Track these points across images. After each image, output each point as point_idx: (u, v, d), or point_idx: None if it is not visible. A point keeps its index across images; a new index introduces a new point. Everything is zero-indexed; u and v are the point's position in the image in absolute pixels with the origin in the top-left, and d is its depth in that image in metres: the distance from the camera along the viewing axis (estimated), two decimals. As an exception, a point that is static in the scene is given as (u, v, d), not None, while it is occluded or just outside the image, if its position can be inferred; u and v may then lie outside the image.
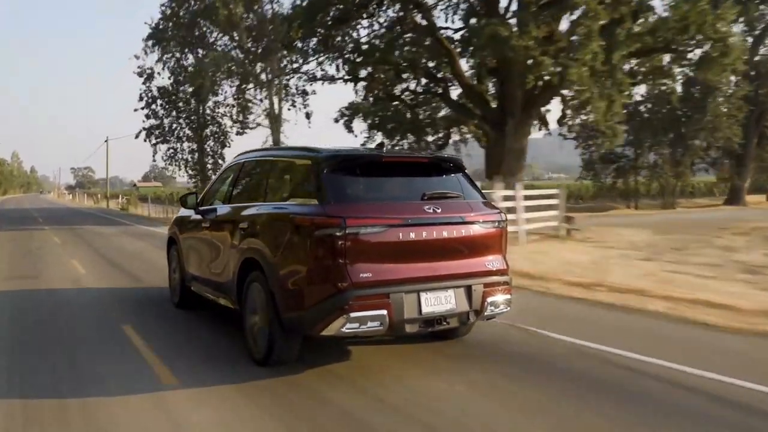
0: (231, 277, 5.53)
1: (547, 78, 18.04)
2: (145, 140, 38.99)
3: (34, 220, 27.79)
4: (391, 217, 4.55)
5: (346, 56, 22.17)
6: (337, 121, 23.53)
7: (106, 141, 54.04)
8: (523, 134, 20.48)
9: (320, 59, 23.46)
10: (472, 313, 4.84)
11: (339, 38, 22.62)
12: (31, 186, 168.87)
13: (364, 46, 21.49)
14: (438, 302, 4.66)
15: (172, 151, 39.57)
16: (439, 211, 4.74)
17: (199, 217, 6.65)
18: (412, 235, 4.58)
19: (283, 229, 4.82)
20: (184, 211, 7.35)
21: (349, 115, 23.12)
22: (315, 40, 22.50)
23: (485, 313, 4.92)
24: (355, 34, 22.75)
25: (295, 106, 34.91)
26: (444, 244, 4.75)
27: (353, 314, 4.32)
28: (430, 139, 24.07)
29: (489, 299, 4.91)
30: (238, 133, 38.12)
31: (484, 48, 17.16)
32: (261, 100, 36.58)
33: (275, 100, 35.53)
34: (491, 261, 5.04)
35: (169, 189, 72.06)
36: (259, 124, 37.02)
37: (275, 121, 35.64)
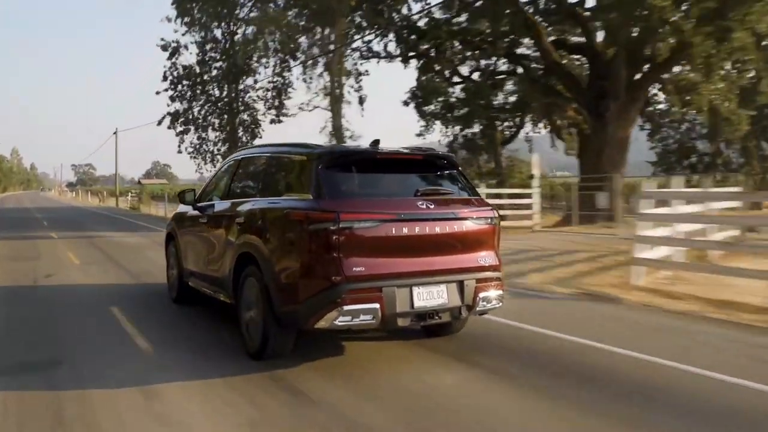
0: (227, 272, 5.62)
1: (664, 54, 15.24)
2: (169, 127, 33.97)
3: (38, 223, 23.87)
4: (385, 212, 4.64)
5: (409, 29, 19.49)
6: (407, 103, 21.28)
7: (114, 133, 49.97)
8: (628, 121, 17.74)
9: (378, 32, 20.87)
10: (464, 308, 4.92)
11: (400, 8, 20.14)
12: (31, 183, 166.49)
13: (425, 21, 18.84)
14: (430, 297, 4.75)
15: (198, 141, 34.40)
16: (432, 207, 4.83)
17: (197, 213, 6.76)
18: (405, 230, 4.67)
19: (278, 224, 4.91)
20: (182, 207, 7.46)
21: (422, 97, 20.54)
22: (372, 9, 20.01)
23: (477, 308, 5.01)
24: (418, 6, 20.11)
25: (357, 85, 30.24)
26: (437, 239, 4.84)
27: (346, 307, 4.40)
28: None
29: (481, 294, 4.99)
30: (272, 122, 33.27)
31: (613, 8, 14.16)
32: (319, 76, 31.77)
33: (335, 79, 30.72)
34: (484, 257, 5.12)
35: (177, 187, 65.98)
36: (316, 107, 32.63)
37: (336, 102, 31.38)
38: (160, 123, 34.08)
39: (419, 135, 24.31)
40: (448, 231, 4.89)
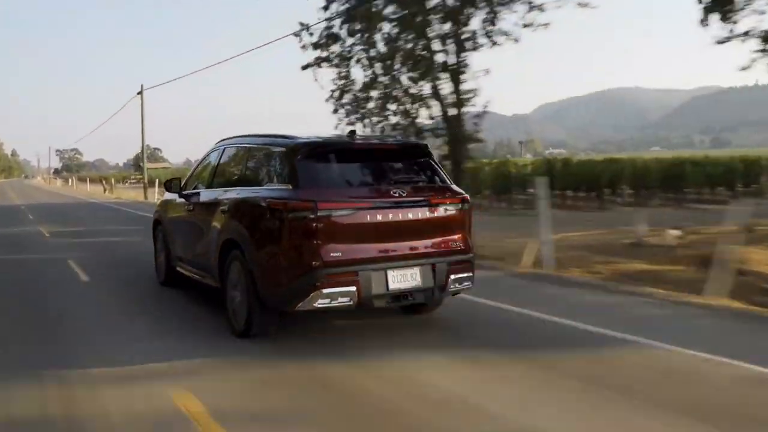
0: (213, 256, 5.96)
1: None
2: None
3: (37, 237, 14.24)
4: (360, 200, 5.00)
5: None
6: None
7: (140, 92, 37.32)
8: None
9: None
10: (436, 290, 5.31)
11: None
12: (12, 171, 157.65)
13: None
14: (404, 279, 5.13)
15: (380, 99, 14.52)
16: (405, 195, 5.19)
17: (183, 200, 7.07)
18: (380, 217, 5.03)
19: (260, 212, 5.26)
20: (168, 195, 7.76)
21: None
22: None
23: (449, 289, 5.40)
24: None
25: None
26: (410, 225, 5.20)
27: (325, 290, 4.79)
28: None
29: (452, 276, 5.37)
30: None
31: None
32: None
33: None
34: (455, 241, 5.49)
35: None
36: None
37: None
38: (306, 67, 20.29)
39: None
40: (420, 217, 5.25)
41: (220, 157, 6.62)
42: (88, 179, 67.62)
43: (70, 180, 78.00)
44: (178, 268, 7.34)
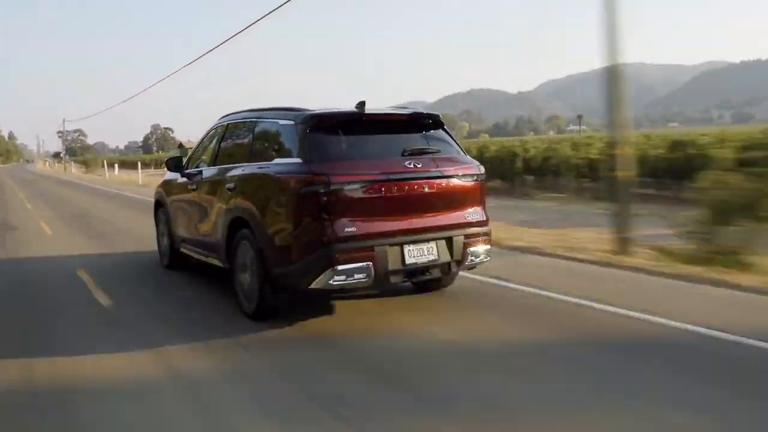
0: (220, 236, 5.88)
1: None
2: None
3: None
4: (374, 173, 4.89)
5: None
6: None
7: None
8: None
9: None
10: (453, 264, 5.24)
11: None
12: (11, 155, 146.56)
13: None
14: (420, 254, 5.04)
15: None
16: (419, 166, 5.08)
17: (185, 179, 6.97)
18: (394, 190, 4.93)
19: (270, 189, 5.15)
20: (170, 175, 7.66)
21: None
22: None
23: (466, 263, 5.32)
24: None
25: None
26: (425, 197, 5.11)
27: (339, 267, 4.69)
28: None
29: (470, 250, 5.30)
30: None
31: None
32: None
33: None
34: (471, 213, 5.41)
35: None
36: None
37: None
38: None
39: None
40: (435, 189, 5.16)
41: (224, 133, 6.50)
42: (116, 165, 50.55)
43: (91, 167, 59.69)
44: (183, 250, 7.28)
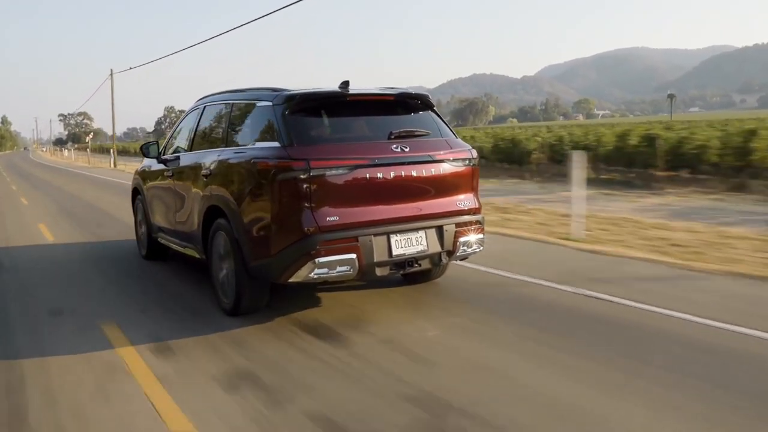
0: (196, 226, 5.68)
1: None
2: None
3: None
4: (358, 157, 4.66)
5: None
6: None
7: None
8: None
9: None
10: (444, 254, 5.03)
11: None
12: (5, 143, 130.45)
13: None
14: (409, 244, 4.83)
15: None
16: (407, 150, 4.86)
17: (161, 166, 6.76)
18: (380, 176, 4.71)
19: (246, 174, 4.92)
20: (146, 161, 7.45)
21: None
22: None
23: (457, 254, 5.12)
24: None
25: None
26: (413, 183, 4.89)
27: (321, 259, 4.47)
28: None
29: (461, 239, 5.09)
30: None
31: None
32: None
33: None
34: (463, 200, 5.20)
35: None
36: None
37: None
38: None
39: None
40: (425, 174, 4.94)
41: (200, 116, 6.26)
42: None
43: (115, 158, 42.03)
44: (160, 240, 7.09)
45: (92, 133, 67.91)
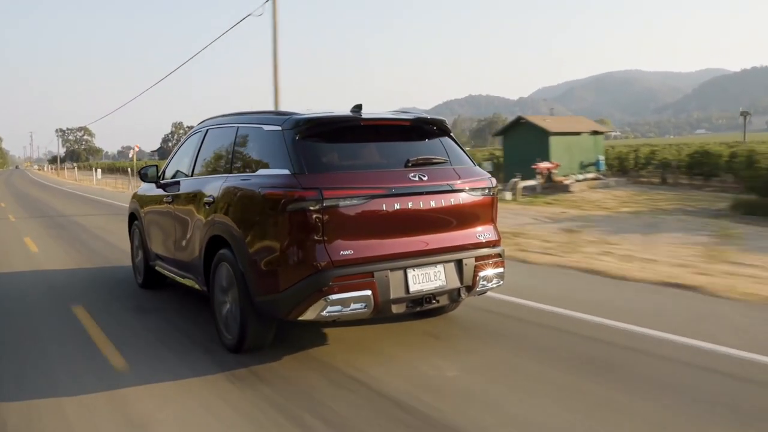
0: (197, 256, 5.43)
1: None
2: None
3: None
4: (374, 186, 4.43)
5: None
6: None
7: None
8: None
9: None
10: (463, 290, 4.79)
11: None
12: None
13: None
14: (427, 279, 4.59)
15: None
16: (425, 178, 4.64)
17: (161, 191, 6.53)
18: (397, 206, 4.48)
19: (252, 204, 4.68)
20: (144, 186, 7.23)
21: None
22: None
23: (477, 289, 4.87)
24: None
25: None
26: (432, 215, 4.67)
27: (333, 296, 4.22)
28: None
29: (481, 273, 4.86)
30: None
31: None
32: None
33: None
34: (482, 232, 4.98)
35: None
36: None
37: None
38: None
39: None
40: (443, 205, 4.72)
41: (203, 139, 6.04)
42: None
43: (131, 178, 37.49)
44: (158, 269, 6.83)
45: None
